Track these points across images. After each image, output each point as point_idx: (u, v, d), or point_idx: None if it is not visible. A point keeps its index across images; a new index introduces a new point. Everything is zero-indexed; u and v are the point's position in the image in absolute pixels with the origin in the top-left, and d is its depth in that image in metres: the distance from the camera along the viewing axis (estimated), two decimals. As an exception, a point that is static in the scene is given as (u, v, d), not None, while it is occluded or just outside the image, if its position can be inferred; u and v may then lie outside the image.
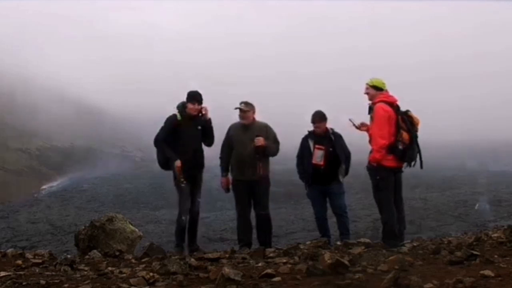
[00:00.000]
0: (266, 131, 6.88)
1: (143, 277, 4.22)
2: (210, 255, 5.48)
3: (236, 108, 6.83)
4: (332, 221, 7.22)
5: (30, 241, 11.54)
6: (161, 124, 6.79)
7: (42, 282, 4.20)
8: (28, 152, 27.16)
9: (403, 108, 6.33)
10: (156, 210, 14.84)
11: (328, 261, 4.18)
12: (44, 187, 21.80)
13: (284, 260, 5.02)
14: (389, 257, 4.55)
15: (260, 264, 4.91)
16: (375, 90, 6.34)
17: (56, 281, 4.26)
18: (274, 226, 7.04)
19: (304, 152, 6.97)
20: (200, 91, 6.76)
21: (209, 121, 6.76)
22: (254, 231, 7.01)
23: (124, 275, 4.51)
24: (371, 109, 6.35)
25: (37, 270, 4.85)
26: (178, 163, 6.50)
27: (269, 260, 5.21)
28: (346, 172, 6.95)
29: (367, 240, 6.65)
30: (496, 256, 4.60)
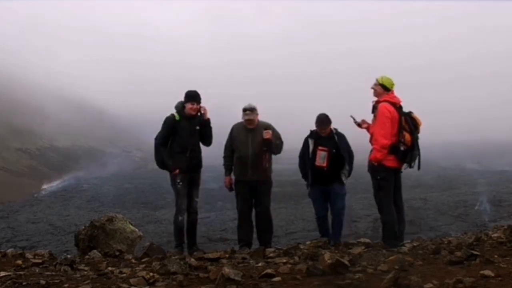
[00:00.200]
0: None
1: (143, 277, 4.22)
2: (210, 255, 5.48)
3: (243, 117, 6.80)
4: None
5: (30, 241, 11.54)
6: (161, 124, 6.79)
7: (42, 282, 4.19)
8: (28, 152, 27.17)
9: (404, 109, 6.32)
10: (156, 210, 14.84)
11: (328, 261, 4.18)
12: (44, 187, 21.80)
13: (284, 260, 5.02)
14: (389, 257, 4.55)
15: (260, 264, 4.91)
16: (383, 89, 6.32)
17: (56, 281, 4.26)
18: (274, 226, 7.04)
19: (304, 152, 6.96)
20: (202, 91, 6.75)
21: (207, 121, 6.76)
22: (254, 231, 7.00)
23: (124, 275, 4.51)
24: (374, 108, 6.34)
25: (37, 270, 4.85)
26: (175, 172, 6.53)
27: (269, 260, 5.21)
28: (349, 173, 6.92)
29: (367, 240, 6.65)
30: (496, 256, 4.59)
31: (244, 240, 6.86)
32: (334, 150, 6.77)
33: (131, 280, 4.17)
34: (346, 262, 4.26)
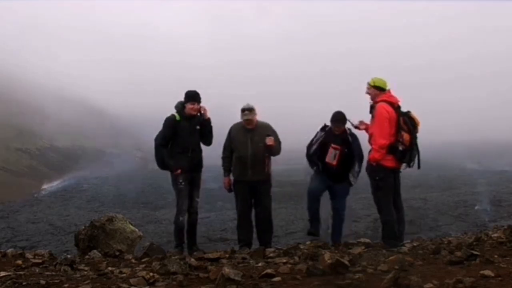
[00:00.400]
0: (268, 131, 6.87)
1: (143, 277, 4.22)
2: (210, 255, 5.47)
3: (242, 117, 6.80)
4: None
5: (30, 241, 11.54)
6: (161, 124, 6.79)
7: (42, 282, 4.19)
8: (28, 152, 27.18)
9: (404, 108, 6.32)
10: (156, 210, 14.85)
11: (328, 261, 4.18)
12: (44, 187, 21.82)
13: (284, 260, 5.01)
14: (389, 257, 4.54)
15: (260, 264, 4.91)
16: (378, 90, 6.32)
17: (56, 281, 4.26)
18: (274, 226, 7.04)
19: (312, 140, 6.93)
20: (202, 91, 6.75)
21: (208, 121, 6.76)
22: (254, 230, 7.00)
23: (124, 275, 4.51)
24: (372, 108, 6.33)
25: (37, 270, 4.85)
26: (177, 172, 6.54)
27: (269, 260, 5.21)
28: (358, 175, 6.90)
29: (367, 240, 6.65)
30: (496, 256, 4.59)
31: (244, 240, 6.85)
32: (346, 150, 6.77)
33: (131, 280, 4.17)
34: (346, 262, 4.26)
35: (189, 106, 6.63)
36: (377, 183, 6.24)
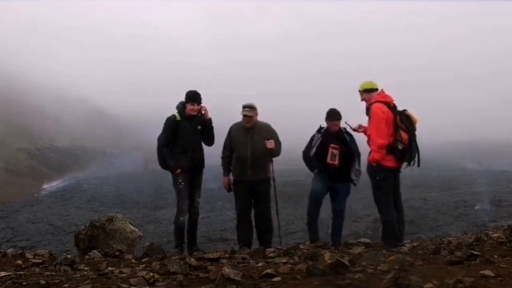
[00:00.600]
0: (267, 131, 6.88)
1: (143, 277, 4.22)
2: (210, 255, 5.47)
3: (242, 114, 6.81)
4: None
5: (30, 241, 11.55)
6: (162, 124, 6.79)
7: (42, 282, 4.19)
8: (28, 152, 27.19)
9: (403, 107, 6.32)
10: (156, 210, 14.85)
11: (328, 261, 4.18)
12: (44, 187, 21.82)
13: (284, 260, 5.01)
14: (389, 257, 4.54)
15: (260, 264, 4.91)
16: (368, 93, 6.34)
17: (56, 281, 4.25)
18: (274, 226, 7.03)
19: (309, 143, 6.95)
20: (202, 91, 6.75)
21: (209, 121, 6.76)
22: (254, 230, 7.00)
23: (124, 275, 4.51)
24: (368, 110, 6.34)
25: (37, 270, 4.85)
26: (177, 172, 6.55)
27: (269, 260, 5.21)
28: (359, 173, 6.90)
29: (367, 240, 6.66)
30: (496, 256, 4.59)
31: (244, 240, 6.85)
32: (345, 149, 6.79)
33: (131, 280, 4.17)
34: (346, 262, 4.26)
35: (189, 106, 6.63)
36: (378, 183, 6.24)
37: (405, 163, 6.30)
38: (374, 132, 6.17)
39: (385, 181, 6.22)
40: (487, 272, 3.90)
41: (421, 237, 8.03)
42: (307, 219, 7.07)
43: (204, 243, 9.61)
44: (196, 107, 6.64)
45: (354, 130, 6.69)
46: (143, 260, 5.48)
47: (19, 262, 5.20)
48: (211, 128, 6.79)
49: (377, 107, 6.15)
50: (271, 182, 6.99)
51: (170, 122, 6.64)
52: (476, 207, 13.12)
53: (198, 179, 6.81)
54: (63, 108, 33.06)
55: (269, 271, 4.31)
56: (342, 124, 6.90)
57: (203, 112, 6.70)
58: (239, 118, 6.93)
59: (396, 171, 6.34)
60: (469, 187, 16.47)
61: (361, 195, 11.65)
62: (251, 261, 5.16)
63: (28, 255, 5.70)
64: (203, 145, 6.86)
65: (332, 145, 6.81)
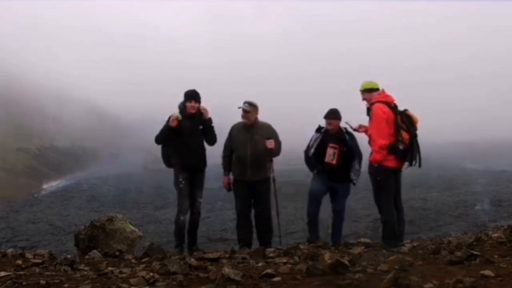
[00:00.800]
0: (268, 131, 6.88)
1: (143, 277, 4.22)
2: (210, 255, 5.47)
3: (239, 108, 6.82)
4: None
5: (30, 241, 11.55)
6: (162, 124, 6.79)
7: (42, 282, 4.19)
8: (28, 152, 27.19)
9: (400, 107, 6.32)
10: (156, 210, 14.85)
11: (328, 261, 4.18)
12: (44, 187, 21.82)
13: (284, 260, 5.01)
14: (389, 257, 4.54)
15: (260, 264, 4.91)
16: (369, 92, 6.34)
17: (56, 281, 4.25)
18: (275, 226, 7.04)
19: (309, 146, 6.98)
20: (202, 91, 6.76)
21: (209, 121, 6.77)
22: (254, 230, 7.00)
23: (124, 275, 4.51)
24: (369, 110, 6.34)
25: (37, 270, 4.85)
26: (177, 165, 6.54)
27: (269, 260, 5.21)
28: (359, 173, 6.91)
29: (367, 240, 6.66)
30: (496, 256, 4.59)
31: (244, 240, 6.85)
32: (344, 149, 6.79)
33: (131, 280, 4.17)
34: (346, 262, 4.26)
35: (188, 104, 6.65)
36: (379, 184, 6.24)
37: (406, 163, 6.30)
38: (375, 133, 6.17)
39: (386, 181, 6.22)
40: (487, 272, 3.91)
41: (421, 237, 8.03)
42: (307, 219, 7.08)
43: (204, 243, 9.61)
44: (194, 104, 6.65)
45: (355, 130, 6.70)
46: (143, 260, 5.48)
47: (19, 262, 5.20)
48: (212, 127, 6.80)
49: (378, 107, 6.15)
50: (271, 182, 6.99)
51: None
52: (476, 207, 13.11)
53: (199, 178, 6.81)
54: (63, 108, 33.06)
55: (269, 271, 4.31)
56: (343, 124, 6.91)
57: (202, 111, 6.72)
58: (239, 118, 6.93)
59: (397, 171, 6.34)
60: (469, 187, 16.46)
61: (361, 195, 11.66)
62: (251, 261, 5.16)
63: (28, 255, 5.70)
64: (205, 145, 6.87)
65: (331, 144, 6.82)
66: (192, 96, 6.68)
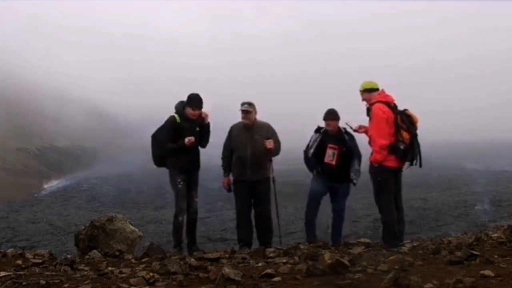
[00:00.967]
0: (267, 131, 6.88)
1: (143, 277, 4.22)
2: (210, 255, 5.47)
3: (238, 110, 6.83)
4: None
5: (30, 241, 11.54)
6: (162, 124, 6.78)
7: (42, 282, 4.19)
8: (28, 152, 27.19)
9: (400, 107, 6.32)
10: (156, 210, 14.84)
11: (328, 261, 4.18)
12: (44, 187, 21.82)
13: (284, 260, 5.01)
14: (389, 257, 4.54)
15: (260, 264, 4.91)
16: (369, 92, 6.34)
17: (56, 281, 4.25)
18: (274, 226, 7.04)
19: (308, 147, 6.99)
20: (202, 91, 6.75)
21: (207, 125, 6.78)
22: (254, 230, 7.00)
23: (124, 275, 4.51)
24: (369, 111, 6.34)
25: (37, 270, 4.85)
26: (188, 140, 6.47)
27: (269, 260, 5.21)
28: (359, 173, 6.91)
29: (367, 240, 6.66)
30: (496, 256, 4.59)
31: (244, 240, 6.85)
32: (344, 149, 6.79)
33: (131, 280, 4.17)
34: (346, 262, 4.26)
35: (189, 111, 6.63)
36: (379, 184, 6.24)
37: (407, 163, 6.30)
38: (375, 133, 6.17)
39: (386, 181, 6.22)
40: (487, 272, 3.91)
41: (421, 237, 8.02)
42: (305, 219, 7.08)
43: (204, 243, 9.61)
44: (197, 112, 6.65)
45: (355, 130, 6.70)
46: (143, 260, 5.48)
47: (19, 262, 5.20)
48: (208, 132, 6.81)
49: (378, 107, 6.15)
50: (271, 182, 7.00)
51: (172, 124, 6.64)
52: (476, 207, 13.10)
53: (194, 179, 6.82)
54: (63, 108, 33.06)
55: (269, 271, 4.31)
56: (343, 125, 6.91)
57: (203, 116, 6.72)
58: (239, 118, 6.94)
59: (397, 171, 6.34)
60: (469, 187, 16.46)
61: (361, 195, 11.64)
62: (251, 261, 5.16)
63: (28, 255, 5.70)
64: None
65: (330, 145, 6.83)
66: (196, 104, 6.64)
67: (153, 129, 7.00)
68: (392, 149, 6.13)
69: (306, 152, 7.03)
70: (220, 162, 7.05)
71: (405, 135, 6.16)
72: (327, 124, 6.92)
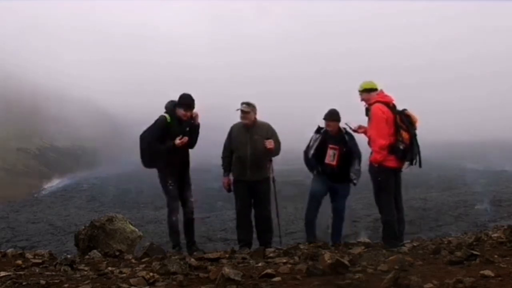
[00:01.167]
0: (267, 131, 6.88)
1: (143, 277, 4.22)
2: (210, 255, 5.47)
3: (237, 110, 6.82)
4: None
5: (30, 241, 11.56)
6: (152, 124, 6.71)
7: (42, 282, 4.19)
8: (28, 152, 27.21)
9: (400, 107, 6.31)
10: (156, 210, 14.86)
11: (328, 261, 4.18)
12: (44, 187, 21.84)
13: (284, 260, 5.01)
14: (389, 257, 4.54)
15: (260, 264, 4.91)
16: (368, 93, 6.33)
17: (56, 281, 4.25)
18: (274, 226, 7.04)
19: (309, 147, 6.98)
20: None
21: (197, 126, 6.73)
22: (254, 230, 7.00)
23: (124, 275, 4.51)
24: (368, 111, 6.34)
25: (37, 270, 4.85)
26: (178, 141, 6.37)
27: (269, 260, 5.21)
28: (359, 173, 6.90)
29: (367, 240, 6.66)
30: (496, 256, 4.59)
31: (244, 240, 6.85)
32: (344, 149, 6.79)
33: (131, 280, 4.17)
34: (346, 262, 4.26)
35: (181, 112, 6.53)
36: (379, 184, 6.23)
37: (406, 163, 6.30)
38: (375, 133, 6.16)
39: (386, 181, 6.21)
40: (487, 272, 3.90)
41: (421, 237, 8.03)
42: (305, 219, 7.08)
43: (204, 243, 9.63)
44: (188, 114, 6.59)
45: (354, 131, 6.70)
46: (143, 260, 5.48)
47: (19, 262, 5.19)
48: (197, 133, 6.75)
49: (377, 108, 6.14)
50: (271, 182, 6.99)
51: (162, 125, 6.55)
52: (476, 207, 13.12)
53: (186, 177, 6.76)
54: (63, 108, 33.09)
55: (269, 271, 4.31)
56: (342, 125, 6.91)
57: (194, 116, 6.66)
58: (238, 118, 6.93)
59: (397, 171, 6.34)
60: (469, 187, 16.48)
61: (361, 195, 11.66)
62: (251, 261, 5.16)
63: (28, 255, 5.69)
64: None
65: (330, 145, 6.82)
66: (187, 105, 6.55)
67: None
68: (392, 149, 6.12)
69: (306, 152, 7.02)
70: (220, 162, 7.05)
71: (405, 135, 6.15)
72: (327, 125, 6.91)
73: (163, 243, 8.19)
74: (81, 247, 6.43)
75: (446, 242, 6.08)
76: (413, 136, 6.23)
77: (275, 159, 7.03)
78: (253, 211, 6.99)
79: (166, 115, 6.58)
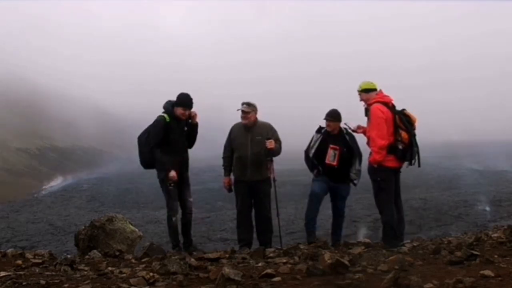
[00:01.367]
0: (268, 131, 6.88)
1: (143, 277, 4.22)
2: (210, 255, 5.47)
3: (238, 110, 6.82)
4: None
5: (30, 241, 11.54)
6: (151, 125, 6.71)
7: (42, 282, 4.19)
8: (28, 152, 27.21)
9: (399, 107, 6.32)
10: (156, 210, 14.84)
11: (328, 261, 4.18)
12: (44, 187, 21.84)
13: (284, 260, 5.01)
14: (389, 257, 4.54)
15: (260, 264, 4.91)
16: (367, 92, 6.33)
17: (56, 281, 4.25)
18: (274, 226, 7.04)
19: (309, 143, 6.98)
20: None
21: (196, 125, 6.74)
22: (254, 230, 7.00)
23: (124, 275, 4.51)
24: (367, 111, 6.34)
25: (37, 270, 4.85)
26: (173, 174, 6.47)
27: (269, 260, 5.21)
28: (360, 173, 6.90)
29: (367, 240, 6.66)
30: (496, 256, 4.59)
31: (244, 240, 6.85)
32: (345, 149, 6.79)
33: (131, 280, 4.17)
34: (346, 262, 4.26)
35: (179, 111, 6.56)
36: (379, 184, 6.23)
37: (406, 163, 6.30)
38: (374, 133, 6.16)
39: (386, 181, 6.21)
40: (487, 272, 3.90)
41: (421, 237, 8.02)
42: (305, 219, 7.07)
43: (204, 243, 9.62)
44: (186, 112, 6.61)
45: (353, 131, 6.70)
46: (143, 260, 5.48)
47: (19, 262, 5.19)
48: (196, 132, 6.77)
49: (376, 108, 6.15)
50: (271, 182, 6.99)
51: (161, 124, 6.56)
52: (476, 207, 13.11)
53: (185, 177, 6.77)
54: (63, 108, 33.10)
55: (269, 271, 4.31)
56: (342, 125, 6.91)
57: (192, 116, 6.68)
58: (238, 118, 6.93)
59: (397, 171, 6.34)
60: (469, 187, 16.46)
61: (361, 195, 11.65)
62: (251, 261, 5.16)
63: (28, 255, 5.70)
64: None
65: (331, 145, 6.82)
66: (185, 103, 6.58)
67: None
68: (391, 149, 6.13)
69: (307, 152, 7.02)
70: (220, 162, 7.05)
71: (404, 135, 6.15)
72: (327, 125, 6.91)
73: (163, 243, 8.19)
74: (81, 247, 6.44)
75: (446, 242, 6.08)
76: (412, 136, 6.23)
77: (276, 159, 7.02)
78: (253, 211, 7.00)
79: (165, 115, 6.60)
